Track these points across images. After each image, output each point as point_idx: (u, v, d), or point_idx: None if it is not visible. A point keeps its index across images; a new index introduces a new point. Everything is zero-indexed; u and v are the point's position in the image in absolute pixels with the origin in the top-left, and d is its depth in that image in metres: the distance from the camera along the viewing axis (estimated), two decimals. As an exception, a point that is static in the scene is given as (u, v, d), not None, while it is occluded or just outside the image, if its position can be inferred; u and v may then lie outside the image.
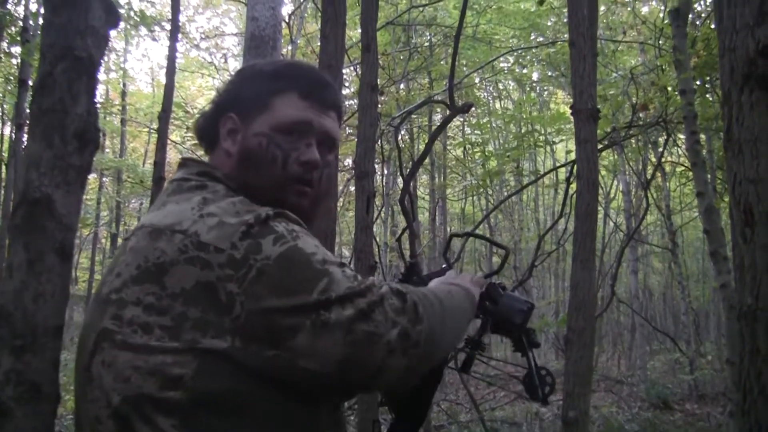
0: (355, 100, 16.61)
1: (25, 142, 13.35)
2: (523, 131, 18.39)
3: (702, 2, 13.91)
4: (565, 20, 11.98)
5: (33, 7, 14.50)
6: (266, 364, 1.59)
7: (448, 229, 28.54)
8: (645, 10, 18.19)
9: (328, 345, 1.57)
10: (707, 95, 12.47)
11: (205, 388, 1.57)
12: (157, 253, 1.68)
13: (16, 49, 14.41)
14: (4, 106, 21.37)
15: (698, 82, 11.59)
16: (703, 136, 13.17)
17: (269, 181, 1.91)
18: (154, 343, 1.61)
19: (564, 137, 18.81)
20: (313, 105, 1.97)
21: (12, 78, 16.87)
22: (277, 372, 1.60)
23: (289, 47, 17.76)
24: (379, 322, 1.59)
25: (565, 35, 12.62)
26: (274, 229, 1.67)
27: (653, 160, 18.40)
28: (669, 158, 19.12)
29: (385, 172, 21.08)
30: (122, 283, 1.70)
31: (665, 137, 13.08)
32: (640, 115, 12.99)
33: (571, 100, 6.95)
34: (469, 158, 23.83)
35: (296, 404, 1.67)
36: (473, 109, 16.66)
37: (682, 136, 14.05)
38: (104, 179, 29.35)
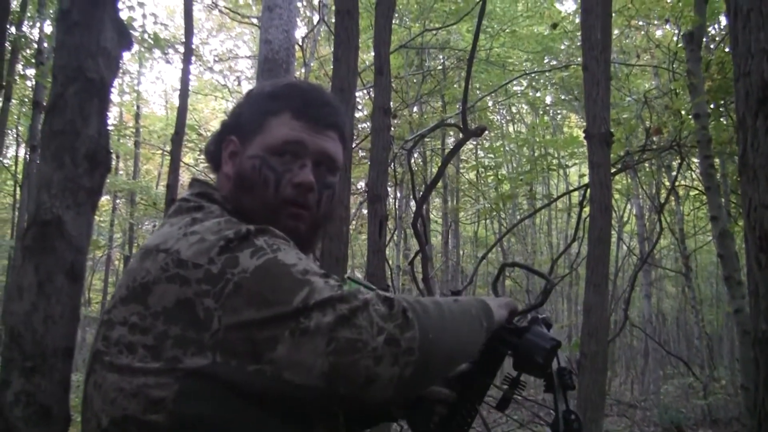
0: (368, 123, 16.66)
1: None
2: (536, 155, 18.43)
3: (716, 26, 13.90)
4: (579, 44, 11.98)
5: (48, 29, 14.57)
6: (250, 379, 1.54)
7: (461, 253, 28.54)
8: (659, 33, 18.18)
9: (310, 354, 1.49)
10: (721, 119, 12.44)
11: (187, 411, 1.54)
12: (143, 272, 1.67)
13: (31, 72, 14.48)
14: (19, 128, 21.47)
15: (712, 106, 11.56)
16: (717, 160, 13.13)
17: (262, 204, 1.88)
18: (137, 364, 1.60)
19: (577, 161, 18.80)
20: (307, 124, 1.92)
21: (27, 100, 16.94)
22: (263, 388, 1.55)
23: (303, 70, 17.80)
24: (362, 328, 1.49)
25: (579, 59, 12.62)
26: (254, 243, 1.63)
27: (667, 183, 18.36)
28: (683, 182, 19.08)
29: (398, 195, 21.08)
30: (113, 304, 1.71)
31: (679, 161, 13.05)
32: (654, 138, 12.97)
33: (585, 124, 6.95)
34: (482, 181, 23.86)
35: (286, 425, 1.63)
36: (486, 132, 16.67)
37: (695, 160, 14.02)
38: (117, 201, 29.40)
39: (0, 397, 2.45)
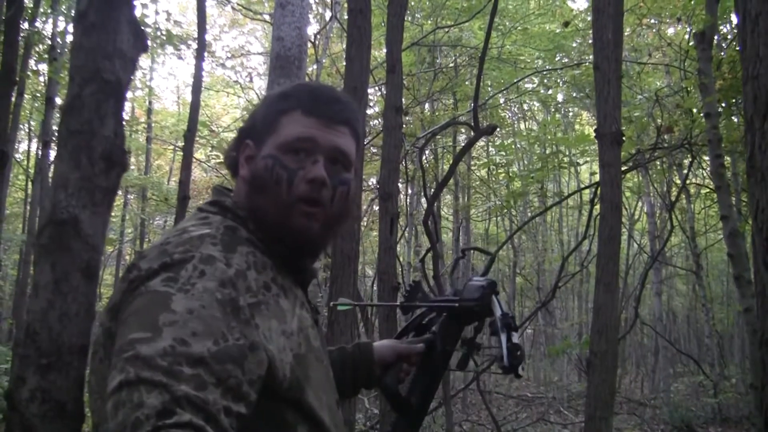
0: (380, 120, 16.68)
1: (52, 160, 13.46)
2: (547, 152, 18.37)
3: (728, 24, 13.89)
4: (590, 42, 11.99)
5: (61, 25, 14.61)
6: None
7: (472, 250, 28.53)
8: (671, 31, 18.16)
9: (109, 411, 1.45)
10: (732, 118, 12.43)
11: None
12: (124, 283, 1.71)
13: (43, 67, 14.54)
14: (32, 123, 21.53)
15: (723, 105, 11.55)
16: (728, 158, 13.11)
17: (275, 204, 1.87)
18: (104, 367, 1.64)
19: (588, 158, 18.77)
20: (318, 121, 1.92)
21: (39, 95, 17.01)
22: None
23: (314, 67, 17.81)
24: None
25: (590, 57, 12.62)
26: (181, 268, 1.64)
27: (678, 182, 18.34)
28: (693, 180, 19.07)
29: (409, 192, 21.09)
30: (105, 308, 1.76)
31: (690, 159, 13.05)
32: (665, 137, 12.97)
33: (596, 121, 6.96)
34: (494, 179, 23.84)
35: (268, 426, 1.68)
36: (497, 129, 16.67)
37: (706, 158, 14.01)
38: (129, 197, 29.46)
39: (16, 393, 2.48)
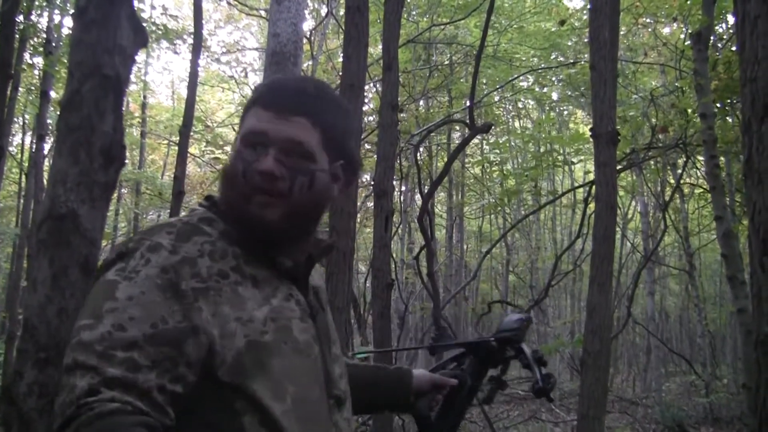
0: (374, 117, 16.66)
1: (46, 153, 13.41)
2: (541, 151, 18.37)
3: (724, 24, 13.90)
4: (586, 41, 11.98)
5: (56, 18, 14.58)
6: None
7: (465, 247, 28.51)
8: (666, 31, 18.17)
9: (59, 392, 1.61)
10: (727, 118, 12.44)
11: None
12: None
13: (38, 60, 14.50)
14: (26, 116, 21.49)
15: (718, 105, 11.56)
16: (722, 159, 13.13)
17: (235, 194, 1.90)
18: None
19: (583, 157, 18.81)
20: (272, 113, 1.92)
21: (34, 89, 16.97)
22: None
23: (310, 63, 17.79)
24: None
25: (586, 56, 12.62)
26: (131, 257, 1.75)
27: (672, 181, 18.37)
28: (687, 180, 19.07)
29: (403, 189, 21.08)
30: None
31: (684, 159, 13.07)
32: (660, 136, 12.99)
33: (591, 120, 6.98)
34: (488, 177, 23.84)
35: (215, 414, 1.74)
36: (492, 127, 16.67)
37: (701, 158, 14.02)
38: (123, 191, 29.40)
39: (14, 387, 2.49)
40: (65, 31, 14.17)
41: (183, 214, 2.00)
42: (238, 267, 1.86)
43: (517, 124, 28.10)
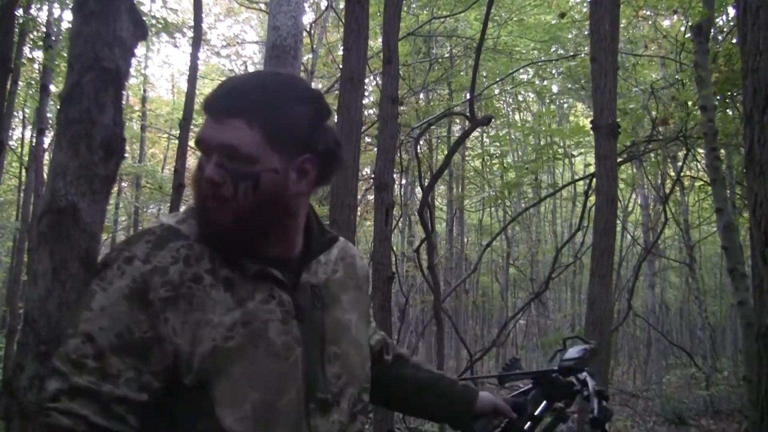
0: (374, 110, 16.66)
1: (46, 147, 13.39)
2: (542, 143, 18.35)
3: (724, 17, 13.88)
4: (586, 33, 11.96)
5: (56, 12, 14.57)
6: None
7: (465, 240, 28.51)
8: (666, 23, 18.14)
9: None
10: (728, 111, 12.43)
11: None
12: None
13: (38, 54, 14.49)
14: (26, 110, 21.48)
15: (719, 98, 11.54)
16: (722, 151, 13.11)
17: (197, 201, 1.94)
18: None
19: (583, 150, 18.78)
20: (211, 117, 1.91)
21: (34, 83, 16.95)
22: None
23: (310, 56, 17.78)
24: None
25: (586, 48, 12.60)
26: (110, 268, 1.84)
27: (672, 174, 18.36)
28: (688, 172, 19.06)
29: (403, 182, 21.08)
30: None
31: (685, 152, 13.05)
32: (660, 129, 12.98)
33: (591, 113, 6.98)
34: (488, 170, 23.81)
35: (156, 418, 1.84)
36: (492, 120, 16.65)
37: (701, 151, 14.01)
38: (123, 184, 29.43)
39: (14, 381, 2.49)
40: (65, 25, 14.20)
41: (183, 208, 2.04)
42: (213, 270, 1.88)
43: (517, 116, 28.11)
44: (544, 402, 2.70)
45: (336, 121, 5.58)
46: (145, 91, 28.43)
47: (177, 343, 1.77)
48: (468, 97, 8.21)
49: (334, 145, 2.03)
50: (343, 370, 2.06)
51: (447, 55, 20.42)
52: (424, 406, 2.65)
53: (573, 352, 2.79)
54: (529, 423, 2.63)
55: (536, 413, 2.66)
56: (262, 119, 1.88)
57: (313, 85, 19.72)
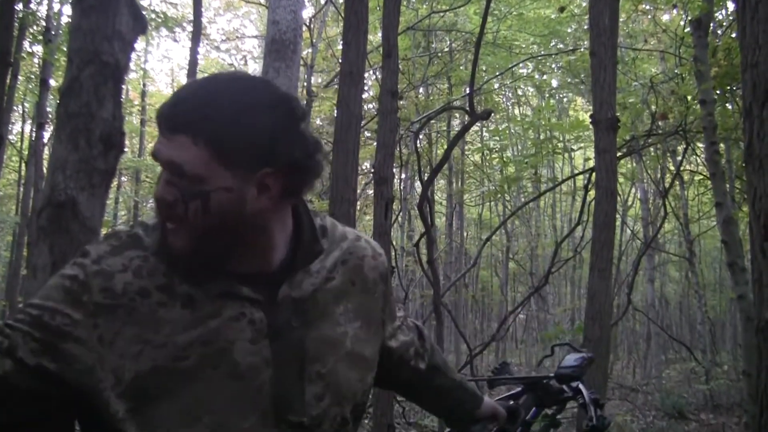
0: (374, 104, 16.65)
1: (46, 141, 13.38)
2: (541, 138, 18.36)
3: (723, 11, 13.87)
4: (586, 27, 11.95)
5: (56, 7, 14.57)
6: None
7: (465, 234, 28.51)
8: (666, 18, 18.12)
9: None
10: (727, 105, 12.42)
11: None
12: None
13: (38, 49, 14.48)
14: (26, 105, 21.48)
15: (718, 92, 11.54)
16: (722, 145, 13.11)
17: (159, 219, 1.81)
18: None
19: (583, 144, 18.76)
20: (161, 132, 1.72)
21: (33, 77, 16.95)
22: None
23: (310, 50, 17.77)
24: None
25: (586, 43, 12.60)
26: (72, 258, 1.81)
27: (672, 168, 18.35)
28: (687, 167, 19.05)
29: (403, 176, 21.07)
30: None
31: (684, 146, 13.05)
32: (660, 123, 12.96)
33: (591, 107, 6.98)
34: (487, 164, 23.81)
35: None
36: (492, 114, 16.63)
37: (701, 145, 14.00)
38: (123, 179, 29.45)
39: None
40: (64, 19, 14.18)
41: None
42: (167, 286, 1.76)
43: (516, 111, 28.09)
44: (534, 408, 2.77)
45: (336, 115, 5.59)
46: (144, 85, 28.46)
47: (101, 352, 1.67)
48: (467, 91, 8.19)
49: (303, 156, 1.80)
50: (327, 390, 1.91)
51: (446, 49, 20.43)
52: (435, 406, 2.70)
53: (570, 359, 2.86)
54: (520, 429, 2.70)
55: (528, 418, 2.73)
56: (207, 135, 1.68)
57: (312, 79, 19.76)
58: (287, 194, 1.83)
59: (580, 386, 2.73)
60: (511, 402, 2.79)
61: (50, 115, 13.70)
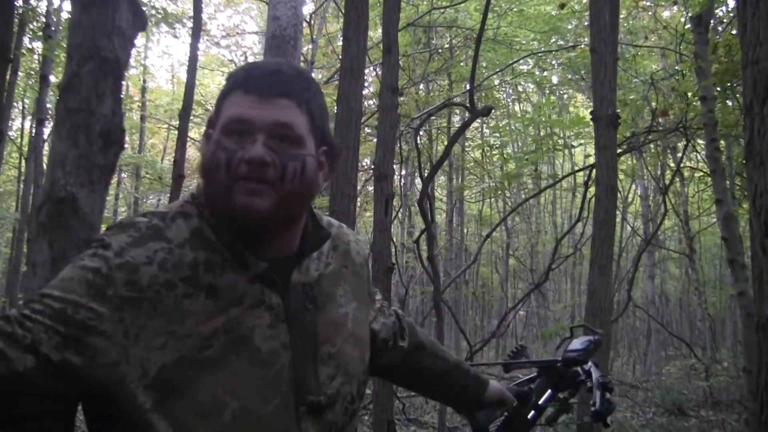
0: (374, 101, 16.65)
1: (45, 137, 13.39)
2: (542, 134, 18.36)
3: (724, 8, 13.87)
4: (586, 24, 11.95)
5: (56, 2, 14.57)
6: None
7: (465, 231, 28.51)
8: (666, 14, 18.12)
9: None
10: (727, 101, 12.42)
11: None
12: None
13: (38, 45, 14.49)
14: (25, 101, 21.48)
15: (719, 89, 11.53)
16: (722, 142, 13.11)
17: (218, 189, 1.81)
18: None
19: (583, 141, 18.78)
20: (255, 97, 1.81)
21: (33, 73, 16.96)
22: None
23: (310, 46, 17.78)
24: None
25: (586, 39, 12.59)
26: (90, 247, 1.78)
27: (672, 165, 18.35)
28: (688, 163, 19.06)
29: (403, 172, 21.08)
30: None
31: (684, 143, 13.05)
32: (660, 120, 12.97)
33: (591, 104, 6.98)
34: (488, 160, 23.81)
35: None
36: (492, 111, 16.63)
37: (701, 142, 14.01)
38: (123, 175, 29.47)
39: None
40: (64, 15, 14.18)
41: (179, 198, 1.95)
42: (192, 277, 1.78)
43: (517, 107, 28.09)
44: (549, 391, 2.72)
45: (336, 111, 5.58)
46: (144, 81, 28.45)
47: (126, 346, 1.67)
48: (468, 87, 8.20)
49: (336, 142, 2.00)
50: (338, 370, 1.98)
51: (447, 45, 20.40)
52: (434, 392, 2.73)
53: (577, 343, 2.80)
54: (533, 412, 2.66)
55: (540, 402, 2.68)
56: (306, 103, 1.86)
57: (313, 75, 19.70)
58: (328, 175, 1.99)
59: (592, 369, 2.69)
60: (525, 387, 2.77)
61: (50, 112, 13.70)
